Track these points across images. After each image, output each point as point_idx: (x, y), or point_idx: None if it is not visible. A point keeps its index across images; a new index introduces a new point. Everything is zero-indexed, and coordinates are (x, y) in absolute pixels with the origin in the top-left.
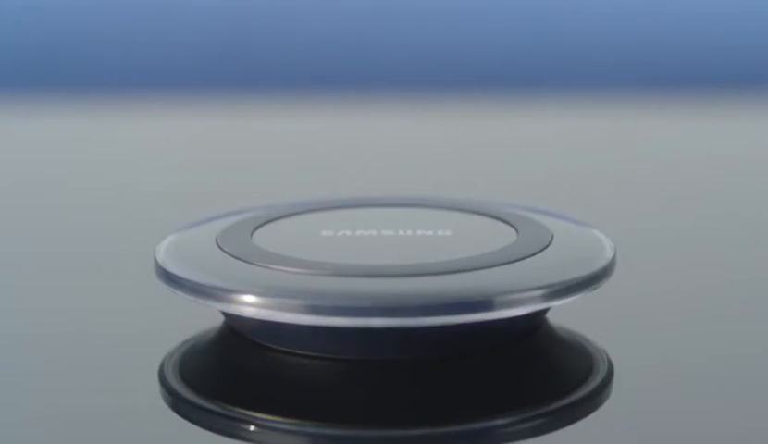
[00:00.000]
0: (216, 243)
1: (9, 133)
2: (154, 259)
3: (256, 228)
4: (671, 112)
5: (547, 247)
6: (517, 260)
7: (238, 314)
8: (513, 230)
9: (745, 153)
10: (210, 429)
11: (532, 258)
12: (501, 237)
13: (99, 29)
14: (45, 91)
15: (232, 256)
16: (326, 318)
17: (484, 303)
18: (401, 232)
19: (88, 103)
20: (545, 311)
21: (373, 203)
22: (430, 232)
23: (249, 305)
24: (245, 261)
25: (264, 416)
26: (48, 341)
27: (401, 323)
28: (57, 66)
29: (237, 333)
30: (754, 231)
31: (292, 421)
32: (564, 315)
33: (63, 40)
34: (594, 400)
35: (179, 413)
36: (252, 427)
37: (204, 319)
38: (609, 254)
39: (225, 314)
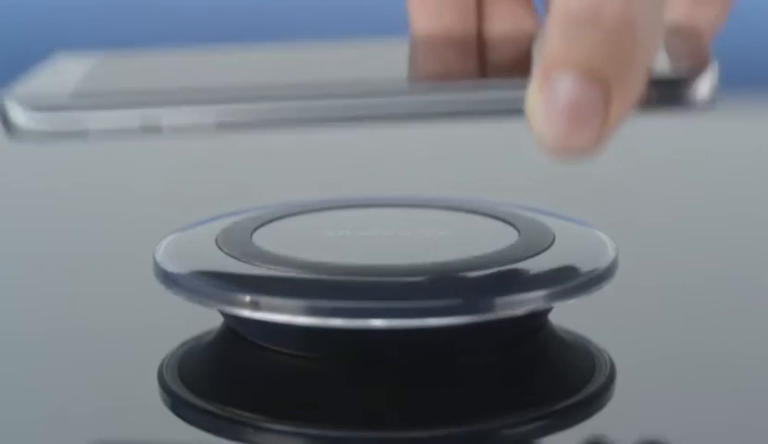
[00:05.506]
0: (216, 244)
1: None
2: (154, 260)
3: (256, 229)
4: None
5: (549, 248)
6: (519, 260)
7: (237, 314)
8: (514, 231)
9: (746, 151)
10: (209, 431)
11: (534, 258)
12: (503, 237)
13: (89, 25)
14: None
15: (232, 257)
16: (325, 319)
17: (485, 305)
18: (401, 232)
19: None
20: (547, 311)
21: (374, 204)
22: (431, 233)
23: (248, 306)
24: (245, 261)
25: (262, 418)
26: (48, 341)
27: (401, 324)
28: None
29: (236, 334)
30: (755, 230)
31: (291, 422)
32: (566, 316)
33: (58, 36)
34: (596, 400)
35: (177, 414)
36: (250, 429)
37: (203, 320)
38: (611, 255)
39: (224, 314)
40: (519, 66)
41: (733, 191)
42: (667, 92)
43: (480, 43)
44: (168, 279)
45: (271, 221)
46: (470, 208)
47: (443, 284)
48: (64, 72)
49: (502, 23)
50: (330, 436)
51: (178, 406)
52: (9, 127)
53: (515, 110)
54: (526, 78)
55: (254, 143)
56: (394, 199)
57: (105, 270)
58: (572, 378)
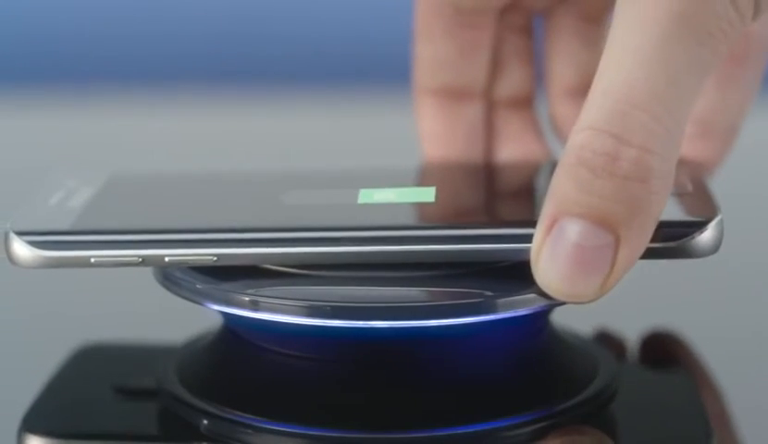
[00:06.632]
0: None
1: (8, 129)
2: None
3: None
4: None
5: None
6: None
7: (237, 314)
8: None
9: (746, 151)
10: (208, 431)
11: None
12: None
13: (84, 23)
14: (40, 86)
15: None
16: (326, 320)
17: (487, 305)
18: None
19: (77, 98)
20: (549, 312)
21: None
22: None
23: (248, 307)
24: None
25: (262, 418)
26: (47, 341)
27: (403, 324)
28: (50, 61)
29: (236, 334)
30: (757, 230)
31: (291, 423)
32: (568, 316)
33: (54, 35)
34: (599, 402)
35: (177, 414)
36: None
37: (203, 320)
38: None
39: (224, 315)
40: (524, 194)
41: (734, 191)
42: (671, 243)
43: (488, 169)
44: (167, 279)
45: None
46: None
47: (444, 285)
48: (68, 197)
49: (511, 147)
50: (330, 436)
51: (177, 406)
52: (12, 258)
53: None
54: (530, 219)
55: (251, 142)
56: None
57: (105, 270)
58: (574, 379)
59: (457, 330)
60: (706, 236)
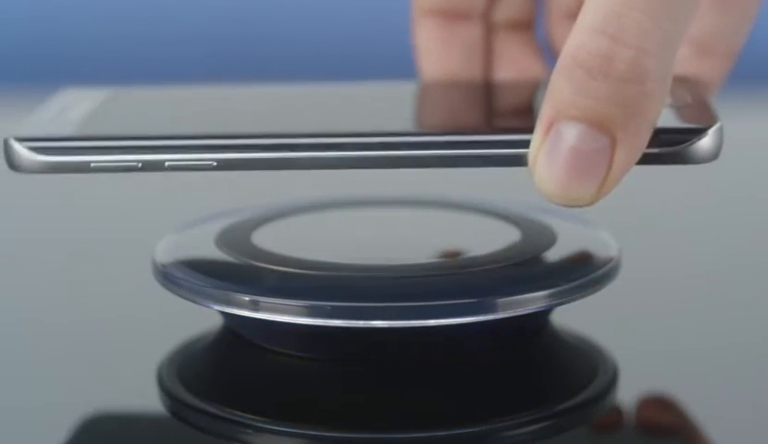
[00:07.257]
0: (215, 243)
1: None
2: (152, 260)
3: (255, 228)
4: None
5: (551, 247)
6: (521, 260)
7: (237, 314)
8: (516, 230)
9: (744, 153)
10: (208, 432)
11: (535, 258)
12: (505, 237)
13: (84, 24)
14: (40, 87)
15: (231, 256)
16: (326, 320)
17: (487, 305)
18: (402, 232)
19: None
20: (549, 312)
21: (374, 202)
22: (432, 232)
23: (248, 307)
24: (244, 261)
25: (262, 419)
26: (47, 342)
27: (403, 324)
28: (50, 62)
29: (236, 334)
30: (756, 231)
31: (291, 423)
32: (569, 317)
33: (56, 36)
34: (599, 402)
35: (176, 415)
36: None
37: (202, 320)
38: (614, 255)
39: (224, 315)
40: (523, 112)
41: (734, 191)
42: (672, 148)
43: (487, 86)
44: (167, 280)
45: (270, 220)
46: (472, 207)
47: (444, 284)
48: (68, 110)
49: (510, 68)
50: (330, 436)
51: (176, 407)
52: (12, 164)
53: (518, 161)
54: (529, 126)
55: None
56: (394, 198)
57: (104, 270)
58: (574, 379)
59: (457, 330)
60: (706, 142)
